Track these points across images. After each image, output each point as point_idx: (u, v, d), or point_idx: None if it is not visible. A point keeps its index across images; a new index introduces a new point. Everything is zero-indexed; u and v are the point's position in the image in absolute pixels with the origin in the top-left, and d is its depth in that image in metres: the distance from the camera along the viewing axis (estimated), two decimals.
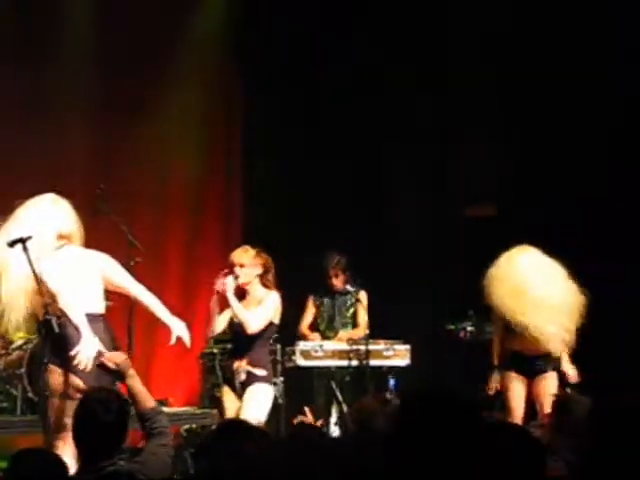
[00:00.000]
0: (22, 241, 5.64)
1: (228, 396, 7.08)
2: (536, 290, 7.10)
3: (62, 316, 5.78)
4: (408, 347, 8.66)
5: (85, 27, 9.62)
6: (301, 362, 8.38)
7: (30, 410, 7.86)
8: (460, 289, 8.12)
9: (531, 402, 7.28)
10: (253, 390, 6.95)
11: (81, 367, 5.64)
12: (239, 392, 7.00)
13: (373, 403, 3.93)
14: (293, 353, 8.40)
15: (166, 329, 6.33)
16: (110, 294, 6.25)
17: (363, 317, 8.67)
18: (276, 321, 7.18)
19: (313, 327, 8.85)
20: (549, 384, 7.22)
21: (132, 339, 8.17)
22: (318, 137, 10.27)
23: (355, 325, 8.79)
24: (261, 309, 7.07)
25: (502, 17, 9.57)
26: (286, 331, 8.04)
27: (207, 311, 10.10)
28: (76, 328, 5.75)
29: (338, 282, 8.70)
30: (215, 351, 8.98)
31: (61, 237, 6.00)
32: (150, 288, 9.42)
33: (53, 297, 5.80)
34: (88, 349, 5.69)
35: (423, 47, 10.02)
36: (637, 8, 8.98)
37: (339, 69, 10.17)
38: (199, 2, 10.50)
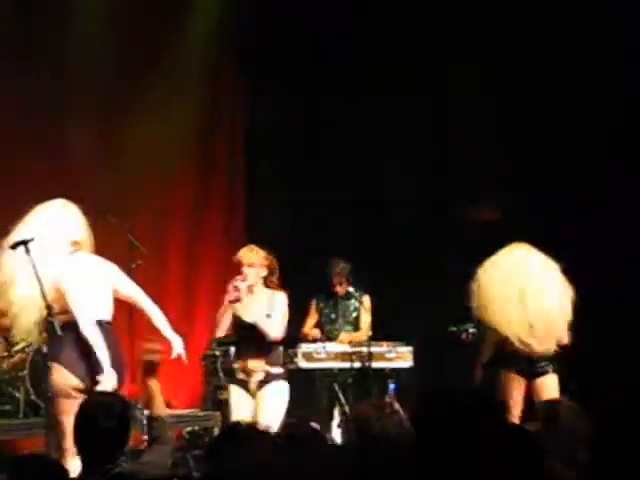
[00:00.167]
0: (24, 243, 5.66)
1: (238, 396, 7.06)
2: (525, 295, 7.10)
3: (66, 320, 5.82)
4: (410, 349, 8.67)
5: (85, 27, 9.61)
6: (303, 364, 8.38)
7: (33, 413, 7.87)
8: (462, 291, 8.10)
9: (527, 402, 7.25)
10: (271, 389, 6.95)
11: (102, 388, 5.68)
12: (254, 392, 6.99)
13: (368, 409, 3.93)
14: (295, 355, 8.40)
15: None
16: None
17: (365, 320, 8.70)
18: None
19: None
20: (550, 385, 7.20)
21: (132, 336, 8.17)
22: (319, 137, 10.27)
23: (358, 329, 8.81)
24: (277, 315, 7.01)
25: (502, 17, 9.56)
26: (288, 333, 8.03)
27: (210, 314, 10.15)
28: (85, 338, 5.80)
29: (341, 289, 8.77)
30: (217, 353, 8.99)
31: (73, 243, 6.04)
32: (152, 289, 9.45)
33: (63, 300, 5.83)
34: (109, 381, 5.74)
35: (423, 47, 10.02)
36: (637, 8, 8.97)
37: (339, 69, 10.17)
38: (199, 2, 10.50)
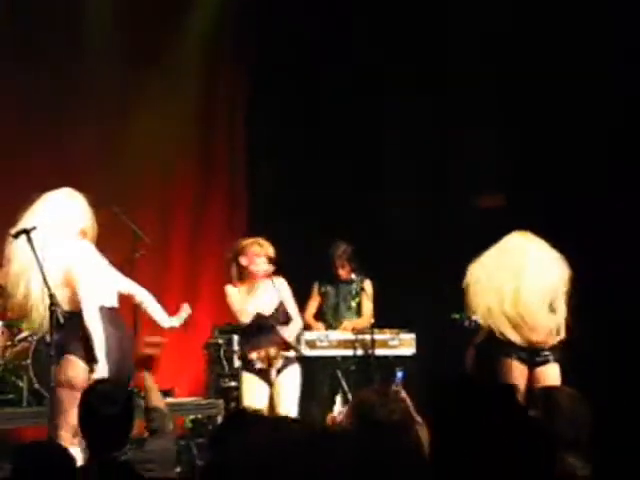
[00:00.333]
0: (26, 232, 5.66)
1: (254, 385, 7.09)
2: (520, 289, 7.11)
3: (71, 310, 5.83)
4: (413, 336, 8.67)
5: (85, 27, 9.61)
6: (306, 352, 8.38)
7: (36, 401, 7.88)
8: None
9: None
10: (288, 374, 7.17)
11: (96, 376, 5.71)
12: (273, 380, 7.07)
13: (372, 396, 3.93)
14: (298, 343, 8.41)
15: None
16: None
17: (367, 306, 8.69)
18: None
19: (318, 316, 8.87)
20: (551, 375, 7.20)
21: (137, 329, 8.17)
22: (319, 135, 10.27)
23: (359, 314, 8.81)
24: (290, 299, 7.37)
25: (502, 17, 9.54)
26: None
27: (212, 304, 10.19)
28: (86, 324, 5.81)
29: (344, 272, 8.75)
30: (220, 341, 9.01)
31: (80, 231, 6.06)
32: (155, 281, 9.48)
33: (72, 286, 5.86)
34: (102, 371, 5.76)
35: (423, 47, 10.00)
36: (637, 8, 8.95)
37: (339, 69, 10.17)
38: (199, 2, 10.49)
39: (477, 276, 7.16)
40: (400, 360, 8.57)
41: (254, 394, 7.01)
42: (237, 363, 8.84)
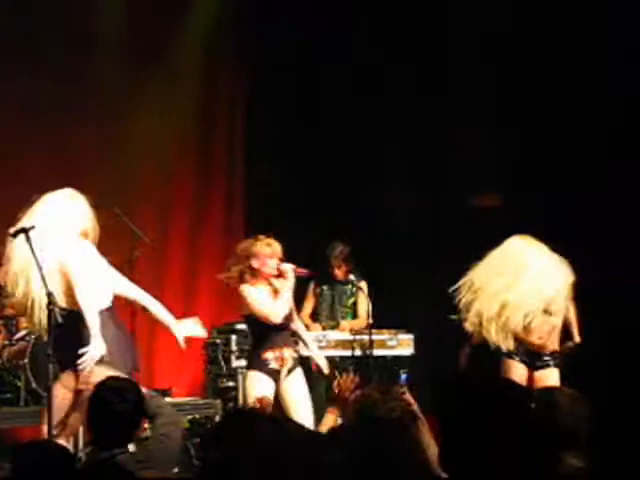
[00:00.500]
0: (25, 231, 5.66)
1: (261, 381, 7.08)
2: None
3: (68, 308, 5.82)
4: (412, 337, 8.67)
5: (87, 27, 9.61)
6: (304, 352, 8.37)
7: (34, 401, 7.87)
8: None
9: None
10: (297, 374, 7.17)
11: (82, 366, 5.69)
12: (284, 379, 7.09)
13: (374, 393, 3.94)
14: (296, 343, 8.39)
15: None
16: None
17: (364, 307, 8.69)
18: None
19: (313, 316, 8.87)
20: (550, 378, 7.20)
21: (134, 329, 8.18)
22: (318, 135, 10.27)
23: (355, 315, 8.83)
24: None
25: (502, 17, 9.55)
26: None
27: (210, 304, 10.18)
28: (83, 321, 5.79)
29: (340, 273, 8.77)
30: (218, 341, 8.99)
31: (80, 232, 6.05)
32: (154, 280, 9.46)
33: (69, 282, 5.85)
34: (95, 351, 5.75)
35: (423, 47, 10.01)
36: (637, 8, 8.96)
37: (339, 68, 10.16)
38: (200, 1, 10.48)
39: (472, 282, 7.15)
40: (398, 361, 8.57)
41: (263, 391, 6.99)
42: (235, 363, 8.83)
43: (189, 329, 6.32)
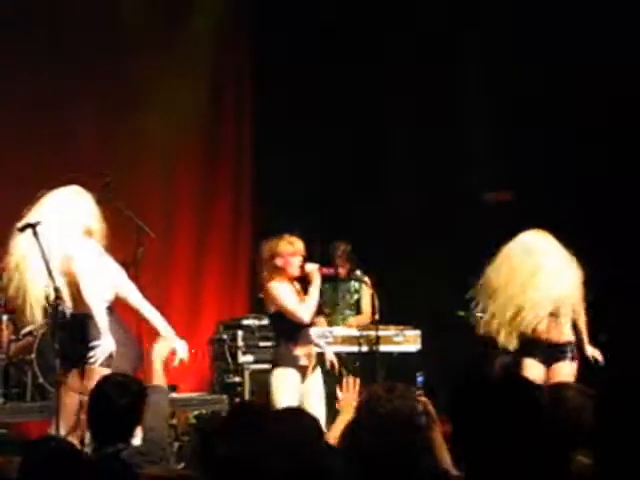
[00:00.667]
0: (32, 226, 5.66)
1: (296, 382, 7.11)
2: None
3: (73, 311, 5.84)
4: (419, 333, 8.66)
5: (89, 15, 9.60)
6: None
7: (40, 396, 7.88)
8: (471, 275, 8.09)
9: None
10: (319, 370, 7.26)
11: (93, 360, 5.70)
12: (309, 375, 7.13)
13: (379, 389, 3.95)
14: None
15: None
16: None
17: (368, 303, 8.69)
18: None
19: (317, 313, 8.88)
20: (563, 371, 7.17)
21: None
22: (324, 125, 10.27)
23: (359, 311, 8.84)
24: None
25: (502, 16, 9.57)
26: None
27: (217, 299, 10.18)
28: (88, 323, 5.80)
29: (343, 271, 8.78)
30: (225, 337, 8.99)
31: (85, 230, 6.05)
32: (160, 274, 9.44)
33: (74, 281, 5.85)
34: (106, 346, 5.76)
35: (426, 46, 10.01)
36: (637, 8, 8.94)
37: (345, 61, 10.15)
38: None
39: (490, 282, 7.14)
40: (405, 357, 8.56)
41: (294, 391, 7.01)
42: (242, 359, 8.83)
43: (180, 347, 6.20)
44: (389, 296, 8.29)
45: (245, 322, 9.04)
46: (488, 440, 2.60)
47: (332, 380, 8.26)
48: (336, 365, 7.51)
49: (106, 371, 5.66)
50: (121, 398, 4.26)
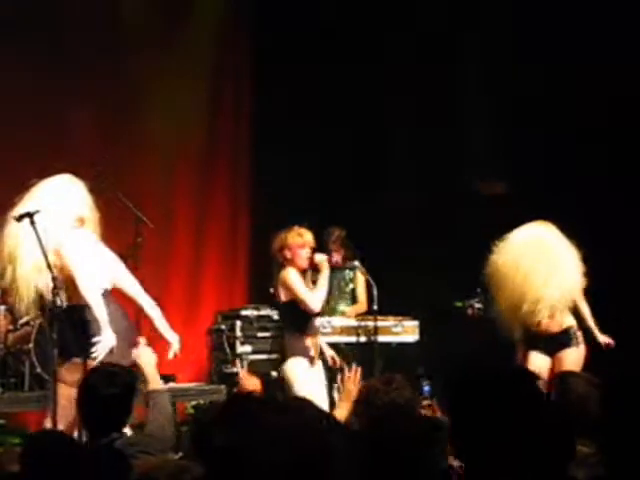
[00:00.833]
0: (29, 215, 5.64)
1: (309, 373, 7.13)
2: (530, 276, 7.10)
3: (73, 297, 5.82)
4: (417, 323, 8.66)
5: (89, 15, 9.58)
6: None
7: (38, 386, 7.88)
8: (468, 266, 8.10)
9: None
10: (320, 362, 7.33)
11: (94, 355, 5.69)
12: (314, 365, 7.20)
13: (376, 382, 3.96)
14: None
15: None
16: None
17: (363, 292, 8.70)
18: None
19: None
20: (566, 359, 7.17)
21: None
22: (322, 123, 10.26)
23: (354, 301, 8.84)
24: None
25: (502, 17, 9.55)
26: None
27: (215, 289, 10.17)
28: (82, 315, 5.79)
29: (339, 258, 8.75)
30: (223, 327, 8.99)
31: (77, 219, 6.03)
32: (159, 265, 9.42)
33: (68, 272, 5.83)
34: (106, 342, 5.75)
35: (428, 47, 10.00)
36: (637, 8, 8.92)
37: (345, 60, 10.13)
38: None
39: (501, 272, 7.14)
40: (403, 347, 8.56)
41: (309, 381, 7.03)
42: (240, 349, 8.82)
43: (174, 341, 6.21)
44: (389, 296, 8.27)
45: (243, 312, 9.03)
46: (488, 433, 2.59)
47: (333, 371, 8.30)
48: (337, 360, 7.50)
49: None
50: (108, 388, 4.26)
